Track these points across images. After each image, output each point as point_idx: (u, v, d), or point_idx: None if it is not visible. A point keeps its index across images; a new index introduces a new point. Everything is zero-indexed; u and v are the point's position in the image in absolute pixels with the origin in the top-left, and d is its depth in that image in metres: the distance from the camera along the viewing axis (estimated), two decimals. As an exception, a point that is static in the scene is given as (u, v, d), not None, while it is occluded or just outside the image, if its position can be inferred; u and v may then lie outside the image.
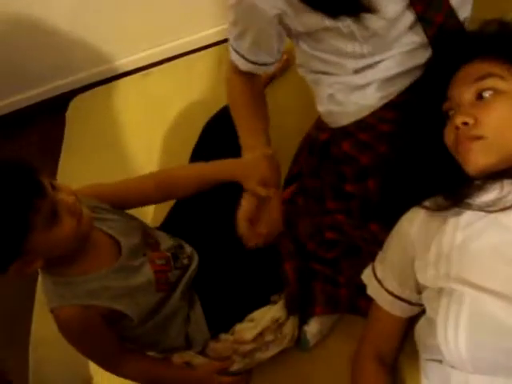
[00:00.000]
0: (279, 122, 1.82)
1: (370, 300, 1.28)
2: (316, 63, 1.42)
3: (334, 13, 1.23)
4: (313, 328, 1.41)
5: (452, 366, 1.01)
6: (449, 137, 1.11)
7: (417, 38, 1.31)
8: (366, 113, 1.43)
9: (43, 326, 1.83)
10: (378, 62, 1.35)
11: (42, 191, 1.07)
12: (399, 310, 1.21)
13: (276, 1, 1.26)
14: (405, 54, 1.33)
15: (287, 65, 1.95)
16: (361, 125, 1.43)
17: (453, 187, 1.11)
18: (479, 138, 1.04)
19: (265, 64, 1.47)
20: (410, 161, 1.24)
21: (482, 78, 1.07)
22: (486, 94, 1.06)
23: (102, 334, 1.27)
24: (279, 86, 1.97)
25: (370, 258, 1.29)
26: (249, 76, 1.52)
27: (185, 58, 2.33)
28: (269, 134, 1.51)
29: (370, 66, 1.36)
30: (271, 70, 1.54)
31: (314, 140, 1.59)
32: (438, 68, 1.22)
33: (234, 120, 1.53)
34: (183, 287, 1.38)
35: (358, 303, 1.37)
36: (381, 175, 1.34)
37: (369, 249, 1.35)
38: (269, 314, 1.39)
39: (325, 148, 1.52)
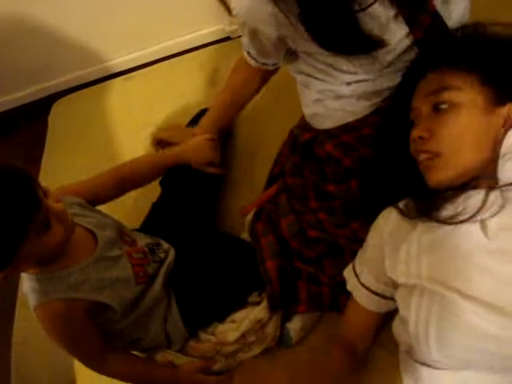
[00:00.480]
0: (261, 122, 1.88)
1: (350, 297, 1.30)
2: (309, 69, 1.43)
3: (347, 53, 1.25)
4: (296, 325, 1.43)
5: (424, 364, 1.04)
6: (411, 147, 1.13)
7: (410, 57, 1.31)
8: (351, 118, 1.45)
9: (25, 324, 1.84)
10: (371, 79, 1.36)
11: (40, 203, 1.09)
12: (374, 305, 1.23)
13: (280, 27, 1.26)
14: (397, 72, 1.33)
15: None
16: (344, 128, 1.46)
17: (422, 193, 1.12)
18: (435, 154, 1.05)
19: (275, 64, 1.49)
20: (386, 164, 1.26)
21: (439, 90, 1.07)
22: (443, 106, 1.05)
23: (85, 329, 1.28)
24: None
25: (352, 256, 1.31)
26: (258, 69, 1.52)
27: (167, 61, 2.34)
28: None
29: (362, 81, 1.37)
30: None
31: (296, 139, 1.61)
32: (411, 75, 1.23)
33: (216, 97, 1.64)
34: (161, 280, 1.40)
35: (340, 301, 1.39)
36: (362, 176, 1.36)
37: (351, 247, 1.37)
38: (251, 315, 1.41)
39: (307, 147, 1.54)
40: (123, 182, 1.52)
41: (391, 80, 1.35)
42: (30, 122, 2.59)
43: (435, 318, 0.98)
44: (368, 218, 1.26)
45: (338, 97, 1.43)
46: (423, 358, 1.04)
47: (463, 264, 0.99)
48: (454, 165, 1.04)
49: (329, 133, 1.49)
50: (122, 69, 2.48)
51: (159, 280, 1.40)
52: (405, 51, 1.30)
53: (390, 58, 1.29)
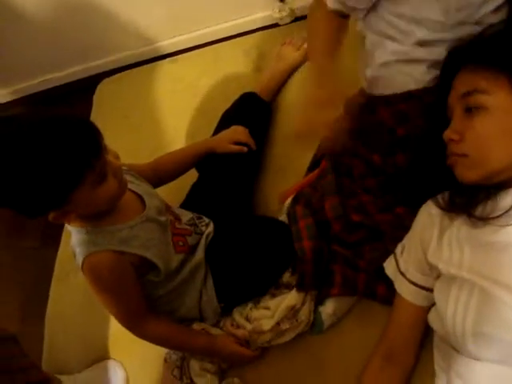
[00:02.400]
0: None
1: (388, 287, 1.30)
2: (385, 26, 1.39)
3: None
4: (328, 309, 1.42)
5: (460, 353, 1.04)
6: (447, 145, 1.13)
7: (499, 18, 1.26)
8: (415, 86, 1.40)
9: (59, 300, 1.88)
10: (445, 41, 1.30)
11: (100, 152, 1.12)
12: (424, 300, 1.21)
13: None
14: None
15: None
16: (405, 96, 1.41)
17: (460, 188, 1.12)
18: (463, 155, 1.06)
19: (353, 8, 1.43)
20: (430, 155, 1.25)
21: (468, 93, 1.06)
22: (473, 109, 1.05)
23: (131, 285, 1.30)
24: (303, 75, 1.96)
25: (393, 243, 1.31)
26: (334, 15, 1.47)
27: (212, 46, 2.34)
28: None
29: (435, 43, 1.32)
30: (360, 16, 1.47)
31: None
32: (448, 69, 1.20)
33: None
34: (201, 251, 1.44)
35: (376, 289, 1.38)
36: (411, 151, 1.34)
37: (393, 233, 1.35)
38: (284, 302, 1.42)
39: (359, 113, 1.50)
40: (160, 173, 1.56)
41: None
42: (74, 100, 2.61)
43: (473, 311, 0.98)
44: (412, 204, 1.26)
45: (410, 61, 1.38)
46: (459, 348, 1.04)
47: (504, 256, 1.00)
48: (481, 166, 1.05)
49: (386, 99, 1.45)
50: (169, 51, 2.48)
51: (199, 251, 1.44)
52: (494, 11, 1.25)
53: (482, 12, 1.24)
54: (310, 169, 1.65)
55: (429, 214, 1.19)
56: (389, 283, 1.29)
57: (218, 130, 1.77)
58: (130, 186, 1.33)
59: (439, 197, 1.18)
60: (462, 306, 1.00)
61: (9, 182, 1.06)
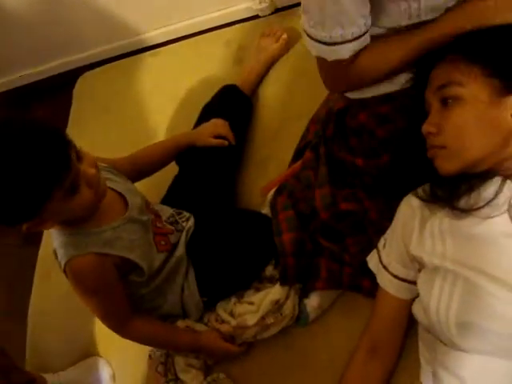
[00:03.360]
0: (285, 103, 1.85)
1: (373, 280, 1.29)
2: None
3: None
4: (313, 301, 1.42)
5: (445, 344, 1.04)
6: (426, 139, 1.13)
7: None
8: (392, 89, 1.38)
9: (42, 296, 1.86)
10: None
11: (69, 165, 1.09)
12: (406, 292, 1.21)
13: None
14: None
15: (287, 47, 1.97)
16: (382, 98, 1.40)
17: (440, 180, 1.12)
18: (442, 147, 1.06)
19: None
20: (410, 149, 1.24)
21: (443, 85, 1.06)
22: (449, 101, 1.05)
23: (114, 287, 1.29)
24: (283, 67, 1.97)
25: (377, 235, 1.30)
26: None
27: (193, 38, 2.32)
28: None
29: None
30: None
31: (331, 109, 1.55)
32: (424, 64, 1.19)
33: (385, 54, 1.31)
34: (182, 247, 1.43)
35: (361, 282, 1.38)
36: (394, 151, 1.34)
37: (379, 224, 1.35)
38: (268, 297, 1.41)
39: (340, 118, 1.50)
40: (139, 166, 1.54)
41: None
42: (54, 95, 2.59)
43: (457, 301, 0.98)
44: (395, 198, 1.26)
45: None
46: (443, 339, 1.04)
47: (488, 247, 1.00)
48: (459, 158, 1.05)
49: (364, 102, 1.43)
50: (150, 44, 2.46)
51: (180, 247, 1.43)
52: None
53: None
54: (294, 159, 1.64)
55: (409, 207, 1.19)
56: (373, 276, 1.29)
57: (198, 123, 1.76)
58: (111, 184, 1.32)
59: (419, 189, 1.18)
60: (446, 296, 1.00)
61: None
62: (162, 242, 1.39)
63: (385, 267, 1.24)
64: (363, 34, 1.21)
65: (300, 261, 1.41)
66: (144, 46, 2.47)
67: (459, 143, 1.04)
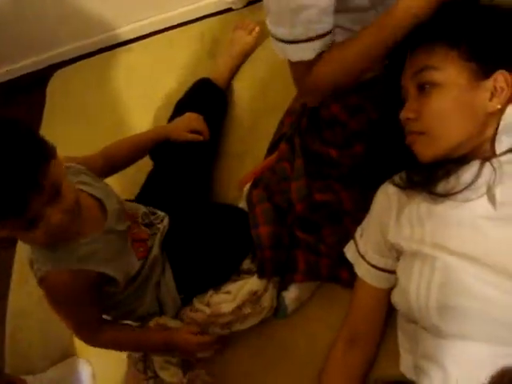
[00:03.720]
0: (259, 96, 1.84)
1: (351, 271, 1.29)
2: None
3: None
4: (292, 294, 1.42)
5: (427, 331, 1.04)
6: (403, 125, 1.12)
7: None
8: (368, 76, 1.37)
9: (20, 297, 1.85)
10: None
11: (39, 188, 1.05)
12: (384, 282, 1.21)
13: None
14: None
15: (259, 40, 1.96)
16: (353, 87, 1.38)
17: (418, 166, 1.11)
18: (421, 133, 1.06)
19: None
20: (386, 135, 1.25)
21: (420, 71, 1.06)
22: (426, 86, 1.05)
23: (87, 300, 1.29)
24: (257, 60, 1.96)
25: (353, 225, 1.30)
26: None
27: (167, 33, 2.30)
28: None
29: None
30: None
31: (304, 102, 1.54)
32: (398, 51, 1.17)
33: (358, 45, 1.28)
34: (157, 247, 1.42)
35: (339, 273, 1.37)
36: (368, 140, 1.34)
37: (355, 215, 1.35)
38: (246, 286, 1.41)
39: (314, 110, 1.49)
40: (112, 160, 1.51)
41: None
42: (27, 94, 2.56)
43: (436, 285, 0.99)
44: (371, 187, 1.25)
45: None
46: (424, 323, 1.04)
47: (466, 229, 1.00)
48: (439, 142, 1.05)
49: (337, 93, 1.42)
50: (123, 40, 2.44)
51: (155, 248, 1.41)
52: None
53: None
54: (269, 152, 1.63)
55: (386, 194, 1.19)
56: (351, 267, 1.29)
57: (172, 118, 1.74)
58: (88, 189, 1.30)
59: (396, 176, 1.18)
60: (425, 280, 1.00)
61: None
62: (141, 249, 1.38)
63: (362, 257, 1.24)
64: (327, 33, 1.20)
65: (277, 254, 1.40)
66: (117, 41, 2.46)
67: (438, 128, 1.04)
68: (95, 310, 1.34)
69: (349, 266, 1.30)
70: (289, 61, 1.28)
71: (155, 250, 1.41)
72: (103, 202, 1.31)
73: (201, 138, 1.63)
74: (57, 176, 1.09)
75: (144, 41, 2.34)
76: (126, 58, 2.28)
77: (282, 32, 1.21)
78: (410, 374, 1.12)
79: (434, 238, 1.03)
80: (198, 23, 2.24)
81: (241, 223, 1.45)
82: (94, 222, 1.28)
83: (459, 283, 0.96)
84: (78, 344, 1.70)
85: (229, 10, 2.21)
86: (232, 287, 1.43)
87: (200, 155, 1.66)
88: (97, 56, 2.40)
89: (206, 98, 1.81)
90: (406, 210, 1.11)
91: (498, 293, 0.93)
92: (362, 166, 1.35)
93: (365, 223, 1.26)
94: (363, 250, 1.24)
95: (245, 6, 2.18)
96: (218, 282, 1.46)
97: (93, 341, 1.38)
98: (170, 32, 2.30)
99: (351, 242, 1.30)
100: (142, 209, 1.47)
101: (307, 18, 1.15)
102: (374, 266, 1.21)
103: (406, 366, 1.15)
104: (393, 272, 1.18)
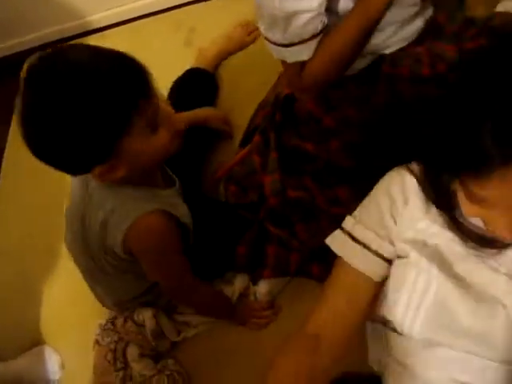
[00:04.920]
0: (236, 86, 1.89)
1: (322, 265, 1.29)
2: None
3: None
4: (262, 288, 1.44)
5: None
6: None
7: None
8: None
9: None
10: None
11: (149, 93, 1.01)
12: (375, 266, 0.97)
13: None
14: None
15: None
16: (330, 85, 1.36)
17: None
18: None
19: None
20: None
21: None
22: None
23: (180, 246, 1.22)
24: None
25: (329, 222, 1.30)
26: None
27: (143, 20, 2.28)
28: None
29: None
30: None
31: (278, 95, 1.54)
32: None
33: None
34: None
35: (311, 269, 1.38)
36: (344, 137, 1.33)
37: (329, 212, 1.35)
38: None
39: (288, 105, 1.49)
40: None
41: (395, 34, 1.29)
42: (1, 79, 2.50)
43: (427, 305, 0.91)
44: (359, 184, 1.11)
45: None
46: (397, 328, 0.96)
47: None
48: None
49: None
50: (98, 26, 2.40)
51: None
52: None
53: None
54: (242, 144, 1.63)
55: (402, 183, 0.97)
56: (323, 262, 1.28)
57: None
58: None
59: (414, 166, 0.96)
60: (417, 298, 0.92)
61: (48, 132, 0.96)
62: None
63: (355, 239, 0.98)
64: (321, 31, 1.19)
65: (250, 249, 1.41)
66: (90, 28, 2.41)
67: None
68: (187, 260, 1.26)
69: (320, 262, 1.29)
70: (284, 61, 1.27)
71: None
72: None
73: (232, 135, 1.73)
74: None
75: (119, 28, 2.31)
76: (101, 45, 2.24)
77: (277, 37, 1.20)
78: (378, 367, 1.08)
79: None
80: (176, 11, 2.23)
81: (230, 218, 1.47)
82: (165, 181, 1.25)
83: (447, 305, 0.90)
84: (48, 332, 1.68)
85: (206, -1, 2.19)
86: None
87: (193, 148, 1.59)
88: (71, 42, 2.34)
89: (204, 88, 1.85)
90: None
91: None
92: (338, 160, 1.33)
93: (362, 209, 1.03)
94: (358, 233, 0.99)
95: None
96: (214, 275, 1.47)
97: (190, 294, 1.32)
98: (146, 20, 2.28)
99: (337, 232, 1.03)
100: None
101: (300, 22, 1.15)
102: (366, 247, 0.97)
103: (374, 360, 1.10)
104: (386, 261, 0.98)
